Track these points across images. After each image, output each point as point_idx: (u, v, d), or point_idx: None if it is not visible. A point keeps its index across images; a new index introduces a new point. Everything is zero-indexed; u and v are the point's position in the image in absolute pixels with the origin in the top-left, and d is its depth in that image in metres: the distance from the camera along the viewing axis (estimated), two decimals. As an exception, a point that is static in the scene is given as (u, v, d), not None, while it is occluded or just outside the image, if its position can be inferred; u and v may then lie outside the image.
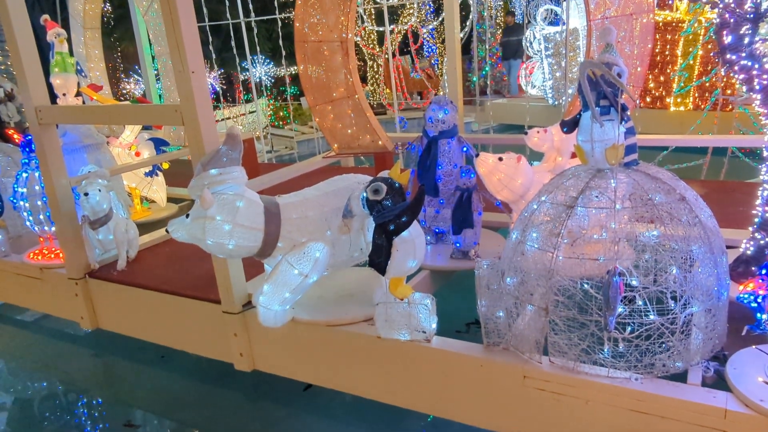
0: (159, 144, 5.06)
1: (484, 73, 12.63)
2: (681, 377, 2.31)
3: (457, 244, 3.59)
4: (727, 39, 2.61)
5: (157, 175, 5.13)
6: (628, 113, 2.43)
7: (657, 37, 7.79)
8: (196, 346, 3.59)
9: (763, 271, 2.09)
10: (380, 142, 4.01)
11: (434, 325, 2.74)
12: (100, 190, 3.74)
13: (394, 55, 9.50)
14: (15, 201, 4.26)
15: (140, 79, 7.98)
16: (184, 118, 2.93)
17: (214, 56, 8.34)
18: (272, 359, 3.27)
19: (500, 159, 3.20)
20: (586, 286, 2.31)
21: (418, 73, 9.63)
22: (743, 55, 2.59)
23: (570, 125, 2.51)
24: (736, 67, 2.62)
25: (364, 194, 2.64)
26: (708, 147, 5.16)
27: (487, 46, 13.48)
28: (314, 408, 3.31)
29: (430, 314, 2.70)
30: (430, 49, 12.82)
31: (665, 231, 2.26)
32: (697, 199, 2.45)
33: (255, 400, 3.48)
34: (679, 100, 7.91)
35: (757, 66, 2.56)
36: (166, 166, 5.17)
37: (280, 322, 2.91)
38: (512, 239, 2.64)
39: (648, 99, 8.13)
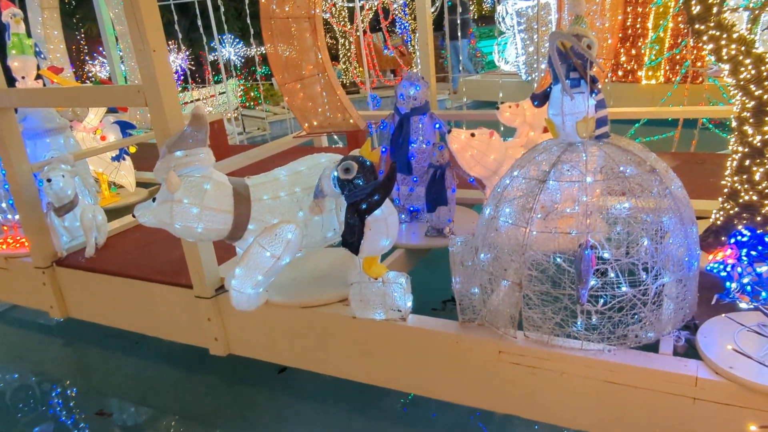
0: (125, 127, 4.91)
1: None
2: (653, 347, 2.34)
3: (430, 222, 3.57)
4: (696, 9, 2.60)
5: (124, 159, 4.99)
6: (599, 86, 2.41)
7: (628, 10, 7.80)
8: (169, 332, 3.53)
9: (732, 241, 2.11)
10: (352, 121, 3.94)
11: (410, 304, 2.73)
12: (63, 176, 3.62)
13: (365, 32, 9.37)
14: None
15: (105, 61, 7.73)
16: (147, 99, 2.84)
17: (180, 36, 8.12)
18: (247, 343, 3.24)
19: (472, 135, 3.17)
20: (558, 260, 2.31)
21: (391, 51, 9.53)
22: (711, 25, 2.59)
23: (541, 98, 2.49)
24: (704, 38, 2.62)
25: (335, 173, 2.60)
26: (679, 119, 5.20)
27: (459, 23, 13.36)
28: (292, 390, 3.30)
29: (404, 293, 2.68)
30: (402, 26, 12.67)
31: (636, 203, 2.26)
32: (668, 171, 2.45)
33: (232, 384, 3.45)
34: (650, 73, 7.96)
35: (725, 36, 2.56)
36: (133, 149, 5.03)
37: (254, 305, 2.88)
38: (485, 215, 2.62)
39: (620, 72, 8.17)
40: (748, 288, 1.96)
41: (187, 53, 10.66)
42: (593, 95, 2.37)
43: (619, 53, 7.96)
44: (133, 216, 2.79)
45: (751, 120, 2.69)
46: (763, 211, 2.79)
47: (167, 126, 2.82)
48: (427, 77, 5.19)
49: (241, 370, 3.47)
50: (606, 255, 2.25)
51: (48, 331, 4.28)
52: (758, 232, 2.01)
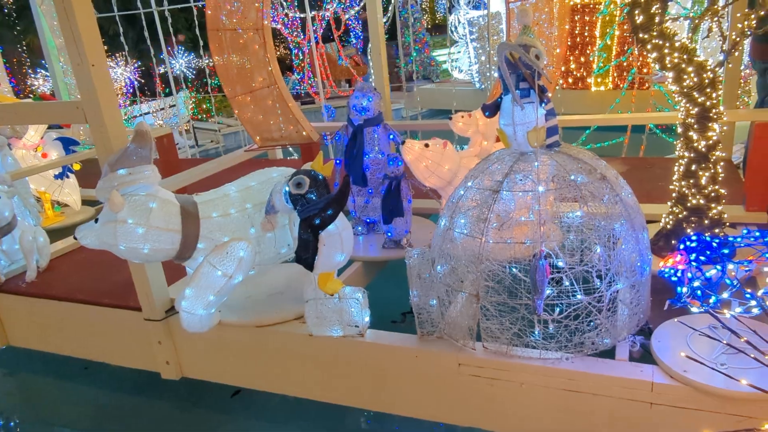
0: (68, 143, 4.71)
1: (411, 59, 12.62)
2: (610, 353, 2.35)
3: (389, 234, 3.54)
4: (639, 19, 2.65)
5: (68, 177, 4.78)
6: (548, 95, 2.43)
7: (576, 18, 8.00)
8: (119, 357, 3.38)
9: (681, 246, 2.14)
10: (305, 133, 3.88)
11: (367, 319, 2.68)
12: (0, 197, 3.43)
13: (317, 43, 9.33)
14: None
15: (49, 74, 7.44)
16: (86, 115, 2.71)
17: (126, 48, 7.89)
18: (201, 365, 3.12)
19: (426, 145, 3.15)
20: (514, 269, 2.31)
21: (346, 61, 9.48)
22: (654, 34, 2.64)
23: (491, 109, 2.49)
24: (648, 46, 2.67)
25: (287, 188, 2.53)
26: (627, 125, 5.33)
27: (412, 32, 13.47)
28: (250, 412, 3.19)
29: (361, 308, 2.63)
30: (357, 36, 12.68)
31: (588, 210, 2.28)
32: (618, 178, 2.48)
33: (187, 408, 3.32)
34: (599, 80, 8.17)
35: (667, 45, 2.62)
36: (77, 167, 4.83)
37: (206, 326, 2.77)
38: (441, 226, 2.60)
39: (570, 80, 8.35)
40: (699, 292, 1.99)
41: (136, 66, 10.39)
42: (543, 105, 2.38)
43: (569, 61, 8.15)
44: (74, 238, 2.66)
45: (695, 126, 2.75)
46: (710, 215, 2.86)
47: (109, 143, 2.70)
48: (381, 87, 5.20)
49: (196, 393, 3.34)
50: (560, 263, 2.25)
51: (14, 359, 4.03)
52: (705, 236, 2.05)
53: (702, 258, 1.99)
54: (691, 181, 2.85)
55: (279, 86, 3.74)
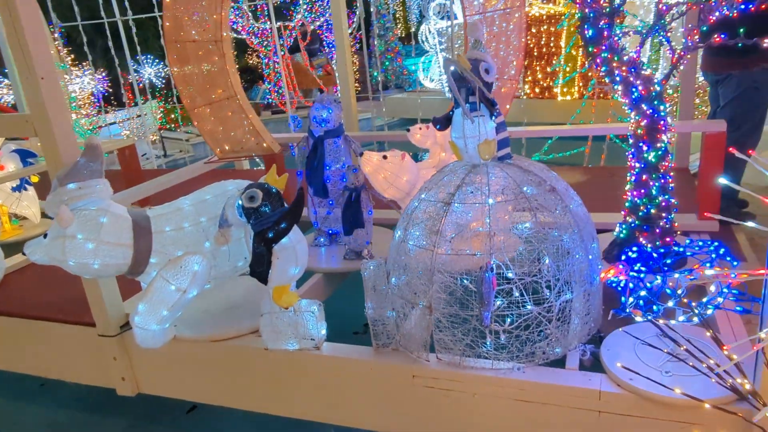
0: (25, 156, 4.61)
1: (384, 68, 12.69)
2: (561, 363, 2.38)
3: (347, 245, 3.54)
4: (588, 32, 2.71)
5: (26, 189, 4.69)
6: (498, 108, 2.46)
7: (542, 29, 8.14)
8: (74, 374, 3.31)
9: (623, 257, 2.18)
10: (265, 144, 3.87)
11: (324, 332, 2.67)
12: (-50, 211, 3.35)
13: (284, 54, 9.31)
14: None
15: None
16: (36, 128, 2.67)
17: (90, 57, 7.79)
18: (157, 381, 3.08)
19: (384, 157, 3.16)
20: (465, 281, 2.32)
21: (312, 71, 9.50)
22: (603, 48, 2.70)
23: (442, 122, 2.51)
24: (597, 60, 2.73)
25: (240, 202, 2.52)
26: (588, 135, 5.43)
27: (384, 41, 13.56)
28: (212, 428, 3.15)
29: (317, 321, 2.62)
30: (329, 45, 12.70)
31: (537, 222, 2.31)
32: (567, 190, 2.52)
33: (145, 426, 3.26)
34: (565, 89, 8.31)
35: (616, 58, 2.68)
36: (35, 179, 4.74)
37: (160, 342, 2.73)
38: (396, 238, 2.61)
39: (537, 89, 8.48)
40: (641, 302, 2.02)
41: (104, 75, 10.25)
42: (493, 118, 2.42)
43: (535, 71, 8.28)
44: (23, 254, 2.61)
45: (645, 137, 2.81)
46: (661, 224, 2.92)
47: (59, 158, 2.66)
48: (346, 97, 5.21)
49: (152, 409, 3.29)
50: (510, 275, 2.27)
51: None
52: (647, 247, 2.09)
53: (643, 269, 2.03)
54: (642, 191, 2.91)
55: (239, 97, 3.72)
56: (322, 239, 3.81)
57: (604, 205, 3.62)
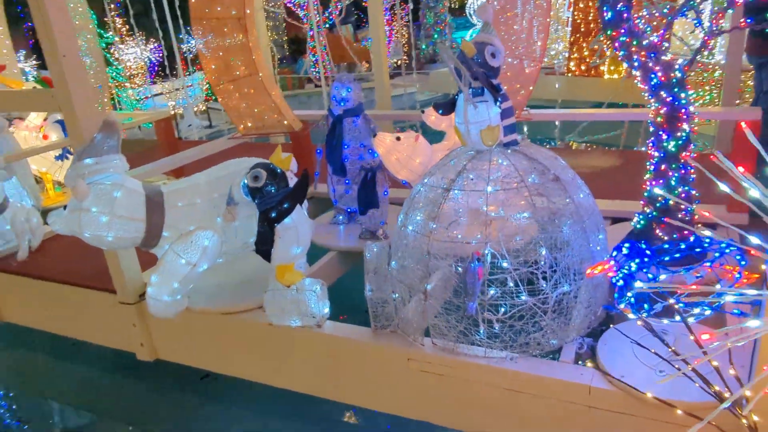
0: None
1: (432, 41, 12.48)
2: (558, 355, 2.35)
3: (363, 224, 3.56)
4: (607, 15, 2.59)
5: (67, 158, 4.92)
6: (504, 93, 2.40)
7: (590, 4, 7.79)
8: (99, 337, 3.50)
9: (614, 254, 2.11)
10: (286, 122, 3.91)
11: (326, 311, 2.72)
12: (-9, 179, 3.56)
13: (331, 27, 9.26)
14: None
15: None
16: (60, 104, 2.79)
17: (135, 27, 7.97)
18: (173, 348, 3.22)
19: (398, 138, 3.15)
20: (459, 269, 2.31)
21: (357, 44, 9.40)
22: (622, 31, 2.58)
23: (445, 107, 2.47)
24: (616, 44, 2.62)
25: (245, 181, 2.57)
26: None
27: (433, 14, 13.33)
28: (224, 396, 3.27)
29: (319, 300, 2.67)
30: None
31: (536, 212, 2.27)
32: (574, 179, 2.46)
33: (164, 389, 3.42)
34: (612, 68, 7.97)
35: (635, 43, 2.56)
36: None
37: (172, 312, 2.83)
38: (398, 222, 2.62)
39: (582, 67, 8.16)
40: (632, 300, 1.97)
41: (159, 45, 10.50)
42: (498, 103, 2.36)
43: (582, 48, 7.96)
44: (46, 224, 2.76)
45: (665, 125, 2.69)
46: (680, 216, 2.80)
47: (80, 132, 2.77)
48: (380, 73, 5.17)
49: (171, 375, 3.44)
50: (505, 264, 2.25)
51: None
52: (641, 244, 2.02)
53: (633, 265, 1.96)
54: (661, 181, 2.79)
55: (261, 75, 3.76)
56: (340, 217, 3.85)
57: (632, 192, 3.50)
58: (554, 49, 8.99)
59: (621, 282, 1.95)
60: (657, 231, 2.85)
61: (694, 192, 2.78)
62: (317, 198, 4.24)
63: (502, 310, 2.28)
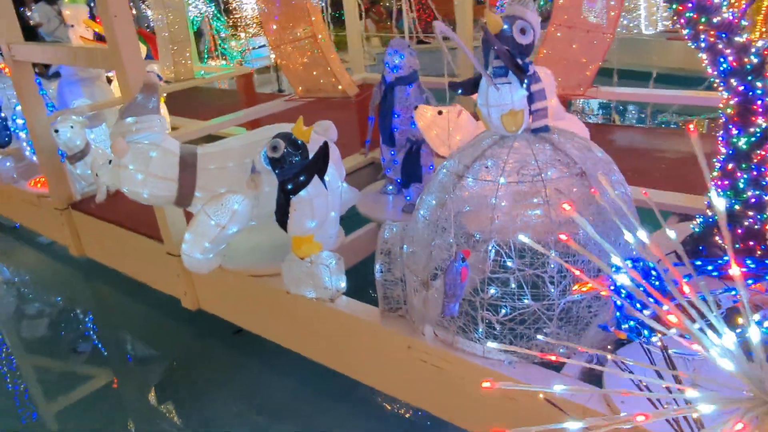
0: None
1: (543, 2, 11.55)
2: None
3: (408, 197, 3.47)
4: (674, -15, 2.23)
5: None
6: (533, 74, 2.16)
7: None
8: (154, 281, 3.76)
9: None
10: (340, 87, 3.84)
11: (342, 284, 2.71)
12: (72, 127, 3.86)
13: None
14: (17, 131, 4.51)
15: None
16: (112, 62, 2.93)
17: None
18: (212, 301, 3.38)
19: (440, 113, 2.98)
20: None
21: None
22: (690, 5, 2.21)
23: (467, 87, 2.27)
24: (681, 20, 2.25)
25: (265, 151, 2.57)
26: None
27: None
28: (252, 352, 3.37)
29: (332, 274, 2.65)
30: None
31: (549, 209, 2.06)
32: (609, 175, 2.19)
33: (204, 336, 3.59)
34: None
35: (703, 20, 2.18)
36: (163, 100, 5.23)
37: (204, 269, 2.97)
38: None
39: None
40: (632, 323, 1.73)
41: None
42: (524, 85, 2.13)
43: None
44: (95, 175, 2.96)
45: (736, 118, 2.31)
46: (746, 224, 2.43)
47: (130, 91, 2.90)
48: (464, 36, 4.87)
49: (212, 324, 3.60)
50: (510, 263, 2.08)
51: (73, 264, 4.65)
52: (649, 263, 1.74)
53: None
54: (727, 181, 2.43)
55: (320, 37, 3.70)
56: (390, 187, 3.77)
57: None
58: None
59: (619, 302, 1.72)
60: (717, 239, 2.51)
61: (767, 198, 2.39)
62: (375, 165, 4.19)
63: (503, 311, 2.13)
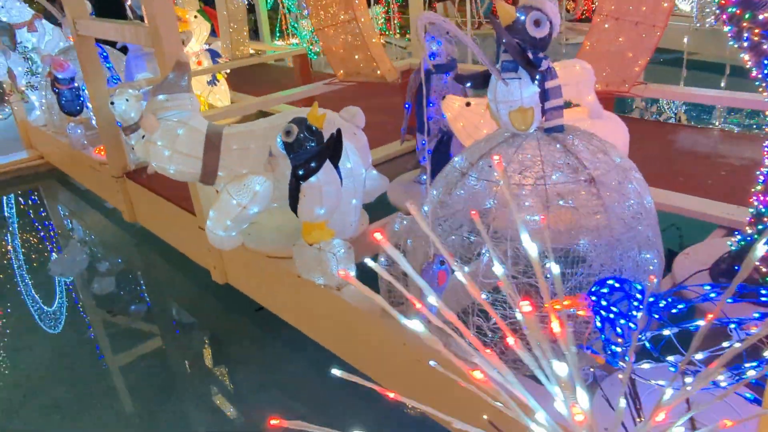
0: (214, 55, 5.26)
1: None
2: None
3: (437, 189, 3.38)
4: (718, -23, 2.00)
5: (215, 84, 5.38)
6: (548, 69, 2.02)
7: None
8: (190, 253, 3.91)
9: (594, 288, 1.68)
10: (379, 72, 3.76)
11: (351, 274, 2.69)
12: (128, 100, 4.01)
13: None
14: (87, 101, 4.80)
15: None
16: (152, 39, 3.03)
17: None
18: (238, 277, 3.47)
19: (468, 104, 2.87)
20: (455, 263, 2.09)
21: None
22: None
23: (476, 80, 2.16)
24: (724, 16, 2.02)
25: (280, 135, 2.58)
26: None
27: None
28: (271, 330, 3.42)
29: (339, 262, 2.64)
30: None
31: (547, 216, 1.93)
32: (621, 184, 2.02)
33: (230, 309, 3.67)
34: None
35: (747, 16, 1.95)
36: (220, 77, 5.39)
37: (227, 246, 3.04)
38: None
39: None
40: (613, 347, 1.59)
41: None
42: (536, 81, 2.00)
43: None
44: (132, 148, 3.09)
45: (783, 128, 2.06)
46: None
47: (167, 68, 3.00)
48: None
49: (239, 300, 3.67)
50: (500, 270, 1.98)
51: (133, 232, 4.91)
52: (636, 286, 1.59)
53: (611, 314, 1.54)
54: (770, 198, 2.19)
55: (362, 21, 3.64)
56: (424, 177, 3.69)
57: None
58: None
59: (599, 324, 1.59)
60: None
61: (816, 219, 2.14)
62: (414, 154, 4.11)
63: (493, 319, 2.03)
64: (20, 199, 6.01)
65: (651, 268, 2.11)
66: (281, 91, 4.51)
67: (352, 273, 2.69)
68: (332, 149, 2.52)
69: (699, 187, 3.15)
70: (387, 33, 9.62)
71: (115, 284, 4.28)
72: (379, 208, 3.44)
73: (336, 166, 2.62)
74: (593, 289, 1.60)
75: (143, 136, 2.99)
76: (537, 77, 2.00)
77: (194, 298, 3.98)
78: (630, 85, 2.92)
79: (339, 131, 2.52)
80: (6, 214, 5.78)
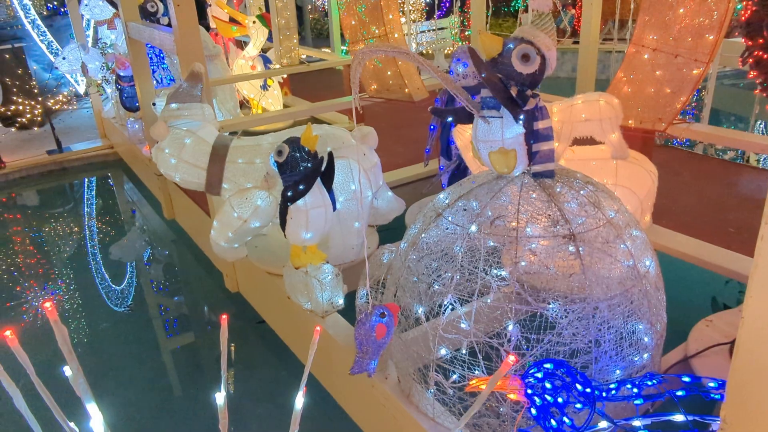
0: (266, 61, 5.31)
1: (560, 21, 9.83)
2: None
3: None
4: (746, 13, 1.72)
5: (267, 89, 5.44)
6: (538, 106, 1.82)
7: None
8: (211, 254, 3.94)
9: (532, 371, 1.45)
10: (406, 90, 3.61)
11: (340, 301, 2.59)
12: (167, 102, 4.15)
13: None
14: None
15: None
16: (177, 47, 3.07)
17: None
18: (247, 287, 3.46)
19: (480, 133, 2.67)
20: (420, 309, 1.94)
21: None
22: (761, 41, 1.69)
23: (459, 115, 1.98)
24: (750, 59, 1.74)
25: (272, 154, 2.52)
26: None
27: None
28: (271, 342, 3.37)
29: (324, 290, 2.54)
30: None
31: (518, 275, 1.74)
32: (614, 242, 1.79)
33: (238, 320, 3.64)
34: None
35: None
36: (270, 83, 5.43)
37: (230, 257, 3.02)
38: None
39: None
40: (553, 422, 1.38)
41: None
42: (519, 122, 1.81)
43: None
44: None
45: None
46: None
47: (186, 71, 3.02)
48: (586, 46, 4.36)
49: (247, 310, 3.64)
50: (463, 326, 1.81)
51: (174, 228, 5.05)
52: (570, 372, 1.36)
53: (548, 398, 1.32)
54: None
55: (398, 36, 3.51)
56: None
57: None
58: None
59: (534, 411, 1.38)
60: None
61: None
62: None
63: (453, 376, 1.86)
64: (92, 184, 6.36)
65: (646, 340, 1.86)
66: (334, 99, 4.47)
67: (340, 301, 2.59)
68: (323, 172, 2.42)
69: (723, 237, 2.78)
70: (460, 43, 9.39)
71: (141, 275, 4.40)
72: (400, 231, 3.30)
73: (329, 190, 2.52)
74: (532, 371, 1.40)
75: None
76: (520, 117, 1.80)
77: (209, 301, 4.00)
78: (667, 123, 2.60)
79: (330, 154, 2.43)
80: (76, 197, 6.13)
